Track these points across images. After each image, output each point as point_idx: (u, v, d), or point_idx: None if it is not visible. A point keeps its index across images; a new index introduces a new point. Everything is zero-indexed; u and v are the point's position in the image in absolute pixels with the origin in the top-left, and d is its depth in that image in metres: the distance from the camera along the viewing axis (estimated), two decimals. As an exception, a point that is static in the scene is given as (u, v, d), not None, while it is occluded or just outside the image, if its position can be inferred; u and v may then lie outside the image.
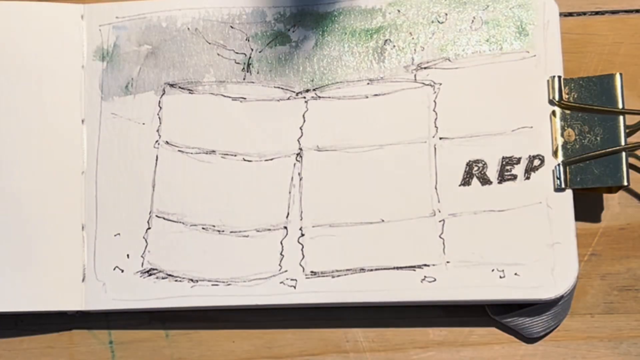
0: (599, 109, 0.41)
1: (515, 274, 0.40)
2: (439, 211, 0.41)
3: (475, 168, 0.41)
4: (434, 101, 0.42)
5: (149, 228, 0.42)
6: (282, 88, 0.43)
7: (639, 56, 0.45)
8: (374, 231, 0.41)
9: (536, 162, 0.41)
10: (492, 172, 0.41)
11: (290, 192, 0.42)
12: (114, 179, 0.42)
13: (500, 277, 0.40)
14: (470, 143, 0.41)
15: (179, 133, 0.43)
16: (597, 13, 0.45)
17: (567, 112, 0.41)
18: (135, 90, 0.43)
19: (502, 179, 0.41)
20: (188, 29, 0.43)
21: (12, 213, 0.42)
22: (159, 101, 0.43)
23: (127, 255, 0.42)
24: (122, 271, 0.42)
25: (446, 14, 0.43)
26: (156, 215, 0.42)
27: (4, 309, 0.41)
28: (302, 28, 0.43)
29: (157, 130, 0.43)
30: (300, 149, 0.42)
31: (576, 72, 0.44)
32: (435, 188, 0.41)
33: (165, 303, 0.41)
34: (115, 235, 0.42)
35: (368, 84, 0.42)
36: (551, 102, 0.41)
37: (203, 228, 0.42)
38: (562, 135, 0.41)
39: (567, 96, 0.41)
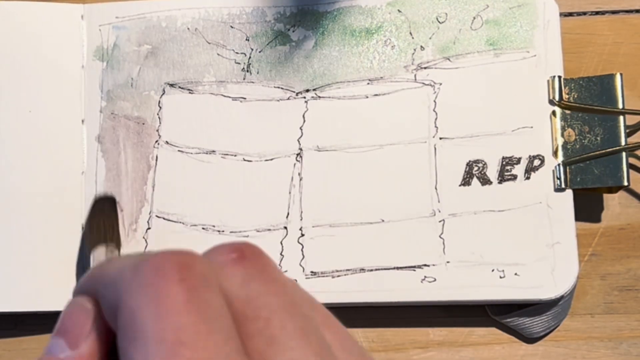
0: (599, 109, 0.41)
1: (515, 274, 0.40)
2: (439, 211, 0.41)
3: (475, 168, 0.41)
4: (434, 101, 0.42)
5: (149, 228, 0.42)
6: (282, 88, 0.43)
7: (639, 56, 0.45)
8: (374, 231, 0.41)
9: (536, 162, 0.41)
10: (492, 172, 0.41)
11: (290, 192, 0.42)
12: (114, 179, 0.43)
13: (500, 277, 0.40)
14: (470, 143, 0.41)
15: (179, 133, 0.43)
16: (597, 13, 0.45)
17: (567, 112, 0.41)
18: (135, 90, 0.43)
19: (502, 179, 0.41)
20: (188, 28, 0.43)
21: (12, 213, 0.42)
22: (159, 101, 0.43)
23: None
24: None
25: (446, 14, 0.42)
26: (156, 215, 0.42)
27: (3, 309, 0.41)
28: (302, 28, 0.43)
29: (157, 130, 0.43)
30: (300, 149, 0.42)
31: (576, 72, 0.44)
32: (435, 188, 0.41)
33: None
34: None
35: (368, 83, 0.42)
36: (551, 102, 0.41)
37: (203, 228, 0.42)
38: (562, 135, 0.41)
39: (567, 96, 0.41)
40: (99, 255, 0.37)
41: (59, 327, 0.19)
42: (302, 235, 0.41)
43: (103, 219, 0.40)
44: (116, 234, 0.40)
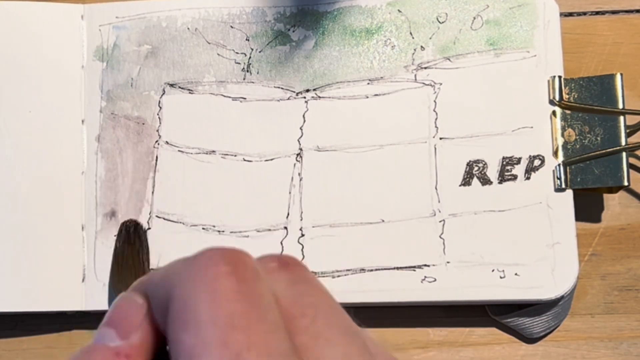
0: (599, 109, 0.41)
1: (516, 274, 0.40)
2: (439, 211, 0.41)
3: (476, 168, 0.41)
4: (434, 101, 0.42)
5: (149, 228, 0.42)
6: (282, 88, 0.43)
7: (639, 56, 0.45)
8: (374, 231, 0.41)
9: (536, 162, 0.41)
10: (492, 172, 0.41)
11: (290, 192, 0.42)
12: (114, 179, 0.43)
13: (501, 277, 0.40)
14: (470, 143, 0.41)
15: (179, 133, 0.43)
16: (597, 13, 0.45)
17: (568, 112, 0.41)
18: (135, 90, 0.43)
19: (502, 179, 0.41)
20: (188, 29, 0.43)
21: (12, 213, 0.42)
22: (159, 101, 0.43)
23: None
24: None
25: (446, 14, 0.42)
26: (156, 216, 0.42)
27: (3, 309, 0.41)
28: (302, 28, 0.43)
29: (157, 130, 0.43)
30: (301, 149, 0.42)
31: (576, 72, 0.44)
32: (436, 188, 0.41)
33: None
34: (115, 236, 0.42)
35: (368, 84, 0.42)
36: (551, 102, 0.41)
37: (203, 228, 0.42)
38: (562, 135, 0.41)
39: (567, 96, 0.41)
40: None
41: (108, 318, 0.19)
42: (302, 235, 0.41)
43: (131, 257, 0.40)
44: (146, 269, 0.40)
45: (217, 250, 0.18)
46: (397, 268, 0.40)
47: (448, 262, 0.40)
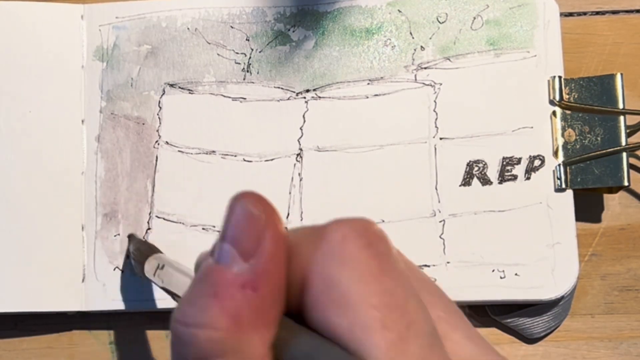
0: (599, 109, 0.41)
1: (516, 274, 0.40)
2: (439, 211, 0.41)
3: (476, 168, 0.41)
4: (434, 101, 0.42)
5: (149, 228, 0.42)
6: (282, 88, 0.43)
7: (639, 56, 0.45)
8: (374, 231, 0.41)
9: (536, 163, 0.41)
10: (492, 173, 0.41)
11: (290, 193, 0.42)
12: (114, 179, 0.42)
13: (501, 277, 0.40)
14: (470, 143, 0.41)
15: (179, 133, 0.43)
16: (597, 13, 0.45)
17: (568, 112, 0.41)
18: (135, 90, 0.43)
19: (502, 179, 0.41)
20: (188, 29, 0.43)
21: (12, 213, 0.42)
22: (159, 101, 0.43)
23: (127, 256, 0.42)
24: (122, 272, 0.42)
25: (446, 14, 0.42)
26: (156, 216, 0.42)
27: (3, 309, 0.41)
28: (303, 28, 0.43)
29: (157, 130, 0.43)
30: (301, 149, 0.42)
31: (577, 72, 0.44)
32: (436, 188, 0.41)
33: (165, 303, 0.41)
34: (115, 236, 0.42)
35: (368, 84, 0.42)
36: (551, 102, 0.41)
37: (203, 228, 0.42)
38: (562, 135, 0.41)
39: (567, 96, 0.41)
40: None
41: (225, 231, 0.17)
42: (302, 235, 0.41)
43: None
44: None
45: (345, 223, 0.17)
46: (397, 268, 0.40)
47: (448, 262, 0.40)
